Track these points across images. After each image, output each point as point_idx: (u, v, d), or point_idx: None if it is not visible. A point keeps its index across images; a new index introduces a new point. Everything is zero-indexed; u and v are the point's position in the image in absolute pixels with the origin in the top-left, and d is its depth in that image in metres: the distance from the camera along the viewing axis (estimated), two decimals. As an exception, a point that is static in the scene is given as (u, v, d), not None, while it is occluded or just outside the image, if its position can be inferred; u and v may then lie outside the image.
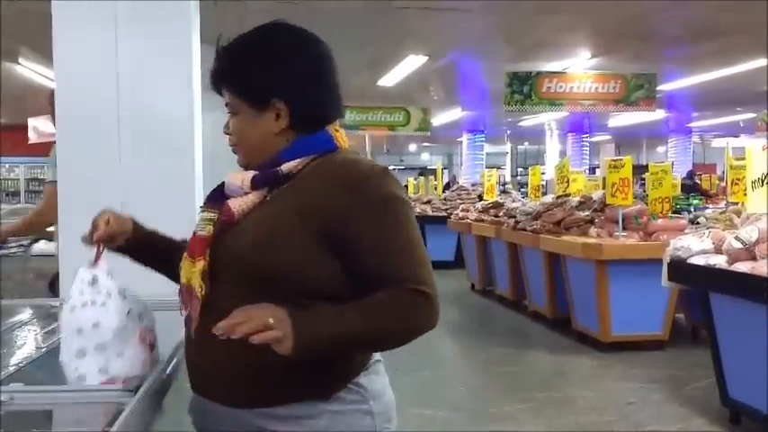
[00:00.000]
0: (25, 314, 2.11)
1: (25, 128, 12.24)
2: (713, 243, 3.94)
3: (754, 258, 3.57)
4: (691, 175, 12.97)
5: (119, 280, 1.38)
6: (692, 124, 18.39)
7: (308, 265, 1.20)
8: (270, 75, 1.28)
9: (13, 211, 7.99)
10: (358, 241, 1.20)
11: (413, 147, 28.05)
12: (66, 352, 1.31)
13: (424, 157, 31.32)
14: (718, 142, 22.10)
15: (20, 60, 8.52)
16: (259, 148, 1.31)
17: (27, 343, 1.81)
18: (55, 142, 2.56)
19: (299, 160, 1.28)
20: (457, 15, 6.79)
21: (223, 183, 1.34)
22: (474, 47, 8.51)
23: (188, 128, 2.58)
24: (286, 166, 1.27)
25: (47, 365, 1.69)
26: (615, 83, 9.52)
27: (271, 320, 1.08)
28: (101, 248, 1.39)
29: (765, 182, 3.79)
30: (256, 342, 1.07)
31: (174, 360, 1.52)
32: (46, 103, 3.08)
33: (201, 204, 1.35)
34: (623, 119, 15.44)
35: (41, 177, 16.00)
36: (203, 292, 1.24)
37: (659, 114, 13.82)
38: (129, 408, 1.15)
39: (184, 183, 2.56)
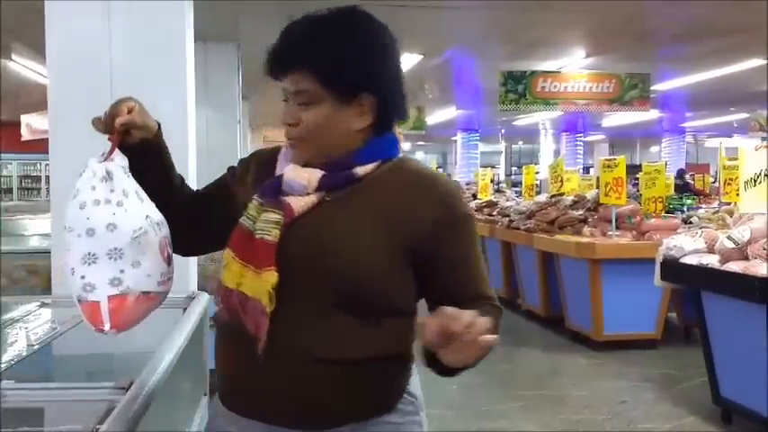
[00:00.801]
0: (17, 311, 2.10)
1: (18, 124, 12.19)
2: (706, 243, 3.96)
3: (746, 258, 3.58)
4: (681, 173, 13.00)
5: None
6: (686, 124, 18.46)
7: (389, 278, 1.14)
8: (367, 65, 1.15)
9: (4, 209, 7.94)
10: (441, 257, 1.18)
11: (407, 145, 28.06)
12: (71, 257, 1.12)
13: (419, 155, 31.34)
14: (711, 142, 22.20)
15: (13, 57, 8.47)
16: (332, 144, 1.17)
17: (18, 340, 1.80)
18: None
19: (373, 164, 1.18)
20: (452, 13, 6.79)
21: (277, 177, 1.18)
22: (469, 45, 8.51)
23: (182, 125, 2.57)
24: (362, 170, 1.17)
25: (38, 363, 1.69)
26: (609, 82, 9.54)
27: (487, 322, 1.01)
28: (118, 138, 1.18)
29: (758, 182, 3.81)
30: (485, 344, 0.99)
31: (168, 357, 1.51)
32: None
33: (259, 200, 1.18)
34: (617, 118, 15.48)
35: (35, 174, 15.96)
36: (272, 307, 1.10)
37: (653, 114, 13.86)
38: (120, 406, 1.15)
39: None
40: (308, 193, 1.16)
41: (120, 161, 1.18)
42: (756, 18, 6.66)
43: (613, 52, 8.72)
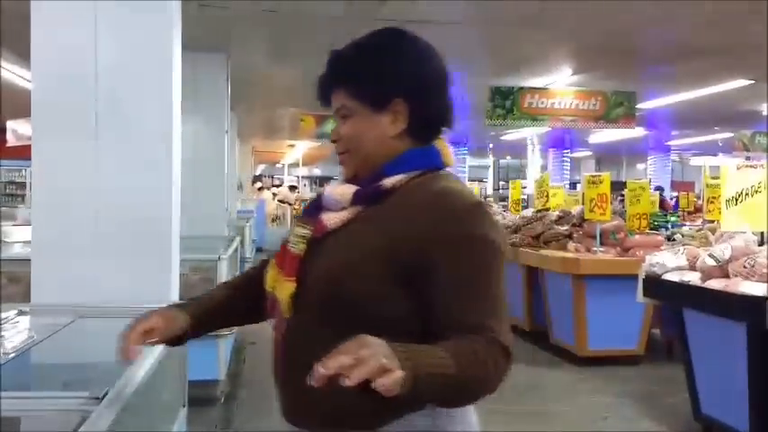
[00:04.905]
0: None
1: (2, 130, 12.09)
2: (688, 260, 3.99)
3: (726, 276, 3.62)
4: (659, 190, 13.09)
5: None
6: (671, 142, 18.65)
7: (385, 295, 1.13)
8: (394, 71, 1.22)
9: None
10: (436, 279, 1.11)
11: (396, 158, 28.09)
12: None
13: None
14: (696, 161, 22.44)
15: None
16: (372, 153, 1.22)
17: (-5, 348, 1.78)
18: None
19: (403, 175, 1.20)
20: (441, 28, 6.83)
21: (320, 195, 1.27)
22: (457, 60, 8.56)
23: (167, 135, 2.56)
24: (389, 181, 1.20)
25: (15, 371, 1.67)
26: (596, 100, 9.63)
27: (385, 360, 0.91)
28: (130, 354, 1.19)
29: (739, 201, 3.85)
30: (381, 388, 0.90)
31: (145, 367, 1.50)
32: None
33: (298, 217, 1.29)
34: (604, 135, 15.62)
35: (19, 180, 15.81)
36: (289, 315, 1.19)
37: (639, 132, 13.99)
38: (92, 416, 1.14)
39: (161, 191, 2.54)
40: (344, 208, 1.20)
41: None
42: (740, 39, 6.76)
43: (600, 70, 8.81)
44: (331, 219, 1.20)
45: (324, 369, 0.89)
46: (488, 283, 1.12)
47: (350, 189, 1.21)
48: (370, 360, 0.90)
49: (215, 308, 1.36)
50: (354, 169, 1.25)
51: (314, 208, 1.25)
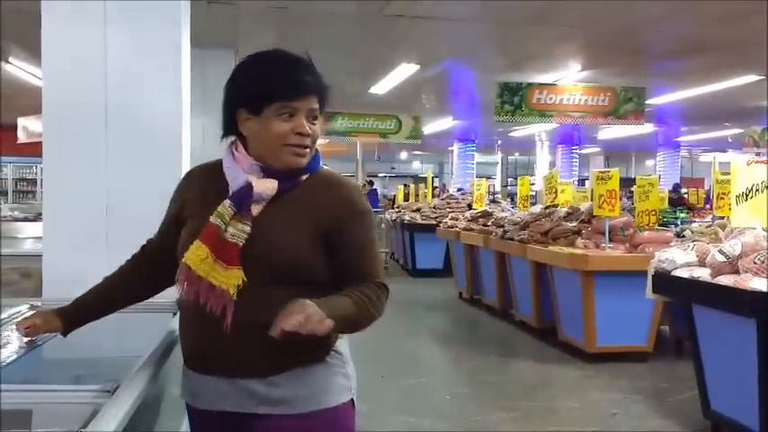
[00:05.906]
0: (6, 314, 2.10)
1: (14, 127, 12.18)
2: (697, 256, 3.98)
3: (736, 272, 3.60)
4: (676, 187, 13.03)
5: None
6: (681, 138, 18.55)
7: (312, 261, 1.48)
8: None
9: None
10: (347, 245, 1.51)
11: (404, 154, 28.10)
12: None
13: (416, 165, 31.40)
14: (705, 157, 22.32)
15: (10, 59, 8.48)
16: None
17: (10, 343, 1.80)
18: None
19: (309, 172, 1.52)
20: (449, 25, 6.83)
21: (247, 188, 1.46)
22: (466, 57, 8.56)
23: (176, 131, 2.57)
24: (304, 177, 1.51)
25: (28, 365, 1.69)
26: (604, 96, 9.59)
27: (318, 315, 1.33)
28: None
29: (749, 197, 3.83)
30: (321, 332, 1.33)
31: (155, 361, 1.52)
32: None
33: (233, 208, 1.46)
34: (612, 131, 15.56)
35: (30, 177, 15.94)
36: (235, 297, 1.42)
37: (648, 128, 13.93)
38: (104, 408, 1.15)
39: (171, 188, 2.55)
40: (266, 199, 1.48)
41: None
42: (748, 35, 6.73)
43: (609, 66, 8.78)
44: (257, 210, 1.47)
45: (285, 326, 1.30)
46: (374, 243, 1.57)
47: (273, 184, 1.48)
48: (313, 316, 1.32)
49: (95, 299, 1.67)
50: (306, 162, 1.52)
51: (246, 200, 1.46)
